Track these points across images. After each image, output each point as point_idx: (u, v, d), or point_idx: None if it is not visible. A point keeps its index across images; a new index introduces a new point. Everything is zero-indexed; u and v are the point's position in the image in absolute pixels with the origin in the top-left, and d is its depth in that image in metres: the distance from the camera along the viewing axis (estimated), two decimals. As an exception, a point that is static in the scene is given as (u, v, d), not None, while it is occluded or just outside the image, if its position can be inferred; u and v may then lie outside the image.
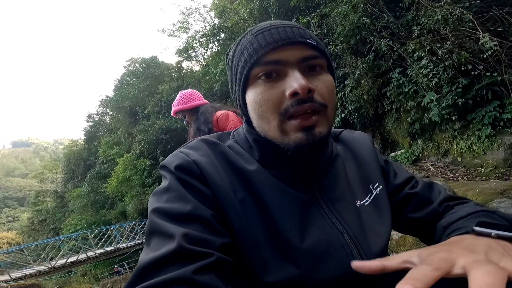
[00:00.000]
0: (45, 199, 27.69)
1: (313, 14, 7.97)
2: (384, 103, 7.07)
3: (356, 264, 0.35)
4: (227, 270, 0.45)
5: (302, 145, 0.48)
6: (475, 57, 5.09)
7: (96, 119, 25.75)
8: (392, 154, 7.66)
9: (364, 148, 0.64)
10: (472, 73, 5.12)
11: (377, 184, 0.60)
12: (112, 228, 13.33)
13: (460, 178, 5.77)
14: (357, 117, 7.67)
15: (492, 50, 4.73)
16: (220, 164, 0.52)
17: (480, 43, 4.82)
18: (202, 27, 16.21)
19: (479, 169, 5.74)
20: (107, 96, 23.52)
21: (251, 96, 0.51)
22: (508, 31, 4.95)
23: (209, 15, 16.81)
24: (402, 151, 7.41)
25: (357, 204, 0.57)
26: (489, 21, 5.10)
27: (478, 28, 4.90)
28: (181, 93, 1.94)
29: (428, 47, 5.51)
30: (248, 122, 0.58)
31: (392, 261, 0.35)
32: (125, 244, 12.23)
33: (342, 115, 7.85)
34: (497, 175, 5.22)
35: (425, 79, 5.57)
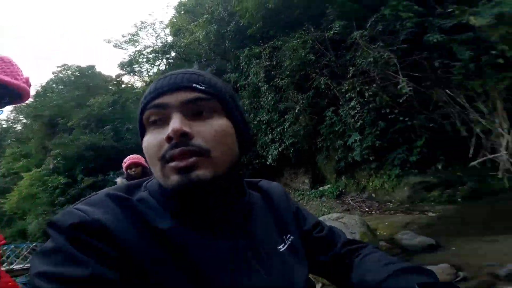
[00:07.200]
0: None
1: (266, 45, 8.03)
2: (317, 141, 7.40)
3: None
4: None
5: (179, 188, 0.46)
6: (394, 101, 5.45)
7: (5, 125, 22.22)
8: (321, 188, 8.13)
9: (281, 198, 0.67)
10: (389, 116, 5.55)
11: (289, 235, 0.62)
12: (5, 248, 11.00)
13: (373, 212, 6.54)
14: (292, 152, 7.88)
15: (407, 95, 5.09)
16: (130, 222, 0.46)
17: (398, 87, 5.14)
18: (154, 43, 15.87)
19: (388, 204, 6.61)
20: (22, 102, 20.65)
21: (143, 143, 0.52)
22: (422, 76, 5.36)
23: (164, 31, 16.57)
24: (329, 185, 7.94)
25: (278, 248, 0.58)
26: (410, 65, 5.47)
27: (399, 72, 5.21)
28: None
29: (358, 89, 5.77)
30: None
31: None
32: (21, 266, 10.25)
33: (280, 149, 8.00)
34: (402, 209, 6.05)
35: (352, 120, 5.91)
